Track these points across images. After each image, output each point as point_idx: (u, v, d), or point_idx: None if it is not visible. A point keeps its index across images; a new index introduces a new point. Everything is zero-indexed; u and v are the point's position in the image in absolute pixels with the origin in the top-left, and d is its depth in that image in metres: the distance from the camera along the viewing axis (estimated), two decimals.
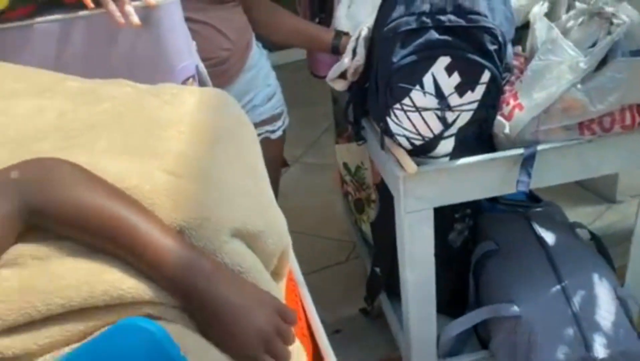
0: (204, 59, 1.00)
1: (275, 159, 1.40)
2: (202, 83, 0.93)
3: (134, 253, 0.53)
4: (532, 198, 1.63)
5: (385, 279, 1.51)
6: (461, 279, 1.46)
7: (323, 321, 0.83)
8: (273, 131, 1.39)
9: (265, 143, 1.13)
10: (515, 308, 1.25)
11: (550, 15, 1.19)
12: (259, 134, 0.97)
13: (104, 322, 0.50)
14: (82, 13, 0.82)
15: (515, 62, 1.15)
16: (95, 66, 0.82)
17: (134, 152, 0.63)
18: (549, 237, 1.37)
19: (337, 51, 1.30)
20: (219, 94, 0.78)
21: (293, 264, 0.84)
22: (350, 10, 1.36)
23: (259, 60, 1.35)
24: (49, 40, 0.82)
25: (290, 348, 0.57)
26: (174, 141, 0.65)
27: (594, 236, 1.45)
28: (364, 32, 1.19)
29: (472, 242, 1.49)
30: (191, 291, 0.54)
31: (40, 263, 0.51)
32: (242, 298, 0.55)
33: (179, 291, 0.54)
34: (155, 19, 0.82)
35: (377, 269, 1.54)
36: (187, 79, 0.89)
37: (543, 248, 1.34)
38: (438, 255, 1.25)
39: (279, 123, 1.40)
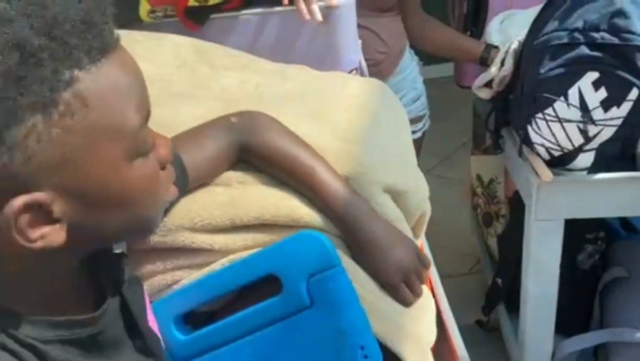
0: None
1: None
2: (362, 75, 1.10)
3: (311, 190, 0.69)
4: None
5: (505, 291, 1.56)
6: (585, 303, 1.47)
7: None
8: (414, 132, 1.51)
9: None
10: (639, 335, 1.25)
11: None
12: None
13: (283, 237, 0.67)
14: (277, 9, 1.02)
15: None
16: (280, 52, 1.01)
17: (310, 119, 0.79)
18: None
19: (485, 63, 1.40)
20: (378, 83, 0.93)
21: (424, 243, 0.96)
22: (503, 25, 1.46)
23: (409, 64, 1.49)
24: (248, 29, 1.03)
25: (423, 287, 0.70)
26: (342, 114, 0.81)
27: None
28: (514, 45, 1.28)
29: (601, 268, 1.49)
30: (351, 225, 0.68)
31: (242, 186, 0.69)
32: (389, 237, 0.69)
33: (342, 223, 0.69)
34: (333, 17, 1.00)
35: (499, 281, 1.59)
36: (352, 70, 1.05)
37: None
38: (564, 274, 1.28)
39: (420, 125, 1.53)
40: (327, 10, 1.01)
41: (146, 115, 0.49)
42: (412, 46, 1.51)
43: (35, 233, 0.44)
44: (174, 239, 0.66)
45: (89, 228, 0.48)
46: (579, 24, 1.07)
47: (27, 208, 0.43)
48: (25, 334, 0.47)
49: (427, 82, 1.63)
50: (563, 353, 1.33)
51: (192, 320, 0.69)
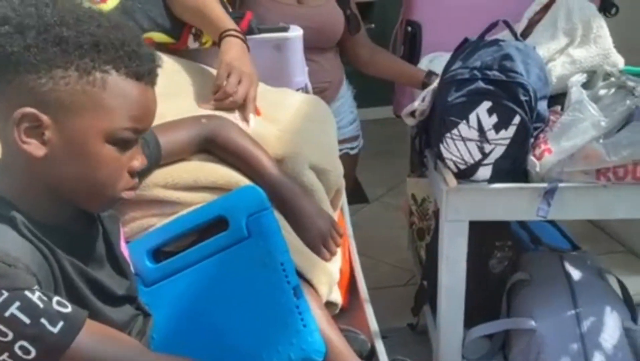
0: None
1: (350, 172, 1.82)
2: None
3: (257, 174, 0.98)
4: (574, 247, 1.90)
5: (430, 291, 1.84)
6: (494, 303, 1.75)
7: None
8: (352, 148, 1.83)
9: (344, 158, 1.57)
10: (532, 323, 1.54)
11: (588, 84, 1.54)
12: (340, 150, 1.39)
13: None
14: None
15: (551, 117, 1.50)
16: None
17: (261, 117, 1.08)
18: (575, 274, 1.65)
19: (426, 87, 1.68)
20: (315, 97, 1.26)
21: (347, 220, 1.24)
22: (431, 63, 1.80)
23: (346, 93, 1.82)
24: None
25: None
26: (284, 114, 1.10)
27: (620, 282, 1.70)
28: (434, 85, 1.61)
29: (510, 273, 1.79)
30: (285, 200, 0.98)
31: (203, 162, 0.97)
32: (312, 209, 0.99)
33: (279, 199, 0.97)
34: (285, 46, 1.31)
35: (425, 283, 1.87)
36: (299, 89, 1.36)
37: (567, 281, 1.62)
38: (478, 276, 1.56)
39: (356, 143, 1.86)
40: (281, 42, 1.31)
41: (137, 129, 0.71)
42: (356, 75, 1.83)
43: (25, 138, 0.67)
44: (150, 193, 0.93)
45: (57, 169, 0.69)
46: (477, 63, 1.40)
47: (32, 118, 0.66)
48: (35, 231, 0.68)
49: (378, 122, 1.94)
50: (471, 338, 1.60)
51: (161, 258, 0.94)
